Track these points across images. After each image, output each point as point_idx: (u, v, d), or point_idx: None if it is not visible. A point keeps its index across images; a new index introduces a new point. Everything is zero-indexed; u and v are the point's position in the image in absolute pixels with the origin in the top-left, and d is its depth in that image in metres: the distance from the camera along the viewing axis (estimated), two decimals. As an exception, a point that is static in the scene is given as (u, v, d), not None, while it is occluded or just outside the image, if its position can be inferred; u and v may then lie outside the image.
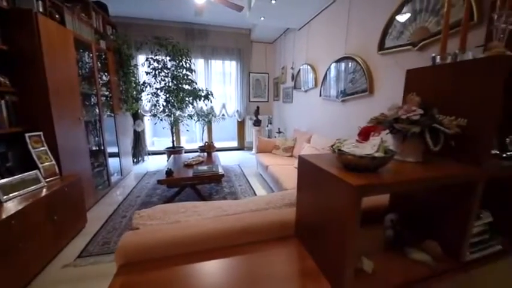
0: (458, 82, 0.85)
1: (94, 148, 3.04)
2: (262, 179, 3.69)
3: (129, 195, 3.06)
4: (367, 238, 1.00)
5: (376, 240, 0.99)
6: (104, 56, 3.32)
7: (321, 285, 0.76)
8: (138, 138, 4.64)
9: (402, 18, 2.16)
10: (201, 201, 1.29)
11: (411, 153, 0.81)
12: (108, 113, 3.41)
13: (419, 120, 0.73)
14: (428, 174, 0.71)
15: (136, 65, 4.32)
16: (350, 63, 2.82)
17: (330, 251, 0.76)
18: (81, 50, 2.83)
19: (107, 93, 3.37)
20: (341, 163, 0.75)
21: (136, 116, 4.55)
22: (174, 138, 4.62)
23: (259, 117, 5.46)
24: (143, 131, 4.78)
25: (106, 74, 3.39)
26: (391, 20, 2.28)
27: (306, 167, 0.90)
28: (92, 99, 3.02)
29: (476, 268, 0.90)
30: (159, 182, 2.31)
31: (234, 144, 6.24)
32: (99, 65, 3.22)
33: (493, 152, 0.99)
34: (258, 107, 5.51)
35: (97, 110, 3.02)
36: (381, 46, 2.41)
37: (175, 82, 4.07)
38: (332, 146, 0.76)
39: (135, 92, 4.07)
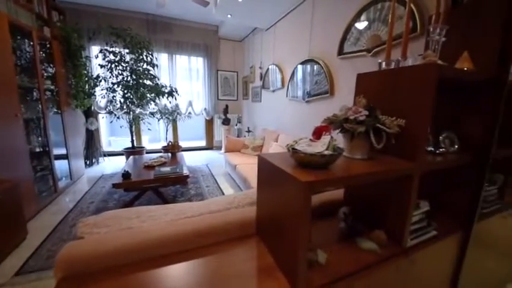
0: (399, 86, 0.94)
1: (37, 149, 2.67)
2: (231, 178, 3.66)
3: (80, 201, 2.77)
4: (323, 231, 1.05)
5: (331, 232, 1.05)
6: (48, 46, 2.94)
7: (277, 280, 0.78)
8: (92, 137, 4.22)
9: (361, 25, 2.32)
10: (164, 204, 1.22)
11: (358, 150, 0.87)
12: (55, 110, 3.04)
13: (364, 121, 0.79)
14: (372, 169, 0.77)
15: (88, 57, 3.92)
16: (315, 66, 2.95)
17: (285, 246, 0.78)
18: (18, 37, 2.47)
19: (52, 87, 2.99)
20: (295, 161, 0.78)
21: (89, 113, 4.13)
22: (134, 138, 4.31)
23: (228, 116, 5.41)
24: (97, 129, 4.36)
25: (51, 65, 3.01)
26: (349, 26, 2.44)
27: (264, 166, 0.91)
28: (35, 94, 2.66)
29: (416, 252, 1.00)
30: (115, 185, 2.13)
31: (202, 143, 6.08)
32: (43, 55, 2.85)
33: (429, 148, 1.13)
34: (226, 106, 5.44)
35: (40, 106, 2.66)
36: (340, 51, 2.57)
37: (134, 77, 3.79)
38: (287, 145, 0.78)
39: (87, 87, 3.69)
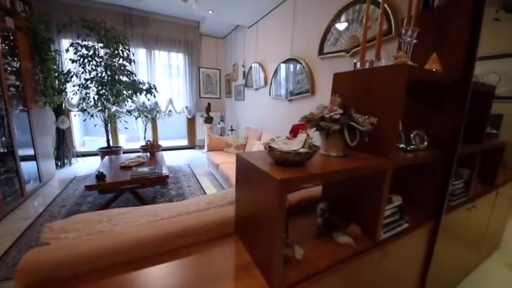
0: (372, 85, 0.97)
1: (0, 150, 2.47)
2: (213, 178, 3.61)
3: (50, 205, 2.59)
4: (302, 227, 1.06)
5: (309, 228, 1.07)
6: (12, 38, 2.71)
7: (254, 278, 0.77)
8: (63, 137, 3.96)
9: (340, 26, 2.37)
10: (140, 206, 1.17)
11: (334, 148, 0.89)
12: (21, 107, 2.81)
13: (339, 119, 0.81)
14: (346, 166, 0.79)
15: (58, 51, 3.67)
16: (297, 65, 2.98)
17: (262, 243, 0.78)
18: (-25, 27, 2.25)
19: (17, 83, 2.77)
20: (272, 159, 0.78)
21: (60, 111, 3.87)
22: (110, 137, 4.10)
23: (211, 114, 5.32)
24: (69, 128, 4.11)
25: (16, 59, 2.78)
26: (329, 27, 2.48)
27: (242, 165, 0.90)
28: (-4, 90, 2.44)
29: (389, 245, 1.05)
30: (87, 187, 2.01)
31: (184, 142, 5.94)
32: (6, 48, 2.62)
33: (401, 146, 1.18)
34: (209, 104, 5.35)
35: (3, 103, 2.45)
36: (321, 51, 2.62)
37: (109, 73, 3.59)
38: (264, 143, 0.77)
39: (56, 83, 3.45)
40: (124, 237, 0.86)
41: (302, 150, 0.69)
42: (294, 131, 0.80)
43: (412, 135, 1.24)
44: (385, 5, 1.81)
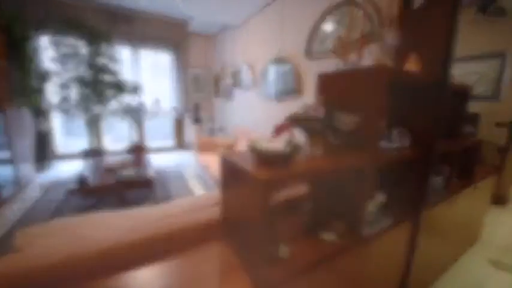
0: (354, 85, 0.99)
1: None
2: (202, 179, 3.57)
3: (29, 210, 2.47)
4: (288, 226, 1.06)
5: (295, 226, 1.07)
6: (-17, 34, 2.57)
7: (239, 279, 0.77)
8: (43, 139, 3.79)
9: (328, 27, 2.41)
10: (123, 210, 1.14)
11: (318, 147, 0.90)
12: (-5, 108, 2.67)
13: (323, 118, 0.82)
14: (329, 164, 0.80)
15: (35, 49, 3.51)
16: (285, 66, 3.00)
17: (246, 244, 0.77)
18: None
19: (-9, 82, 2.63)
20: (256, 159, 0.77)
21: (39, 112, 3.70)
22: (94, 139, 3.97)
23: (200, 114, 5.26)
24: (49, 130, 3.93)
25: (-11, 57, 2.63)
26: (316, 28, 2.52)
27: (227, 166, 0.90)
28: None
29: (373, 241, 1.07)
30: (69, 192, 1.93)
31: (172, 143, 5.83)
32: (-24, 44, 2.47)
33: (384, 143, 1.21)
34: (198, 104, 5.29)
35: (-26, 104, 2.32)
36: (308, 51, 2.65)
37: (92, 72, 3.48)
38: (248, 143, 0.77)
39: (35, 82, 3.29)
40: (103, 242, 0.83)
41: (285, 149, 0.69)
42: (278, 131, 0.80)
43: (394, 133, 1.27)
44: (369, 8, 1.86)
